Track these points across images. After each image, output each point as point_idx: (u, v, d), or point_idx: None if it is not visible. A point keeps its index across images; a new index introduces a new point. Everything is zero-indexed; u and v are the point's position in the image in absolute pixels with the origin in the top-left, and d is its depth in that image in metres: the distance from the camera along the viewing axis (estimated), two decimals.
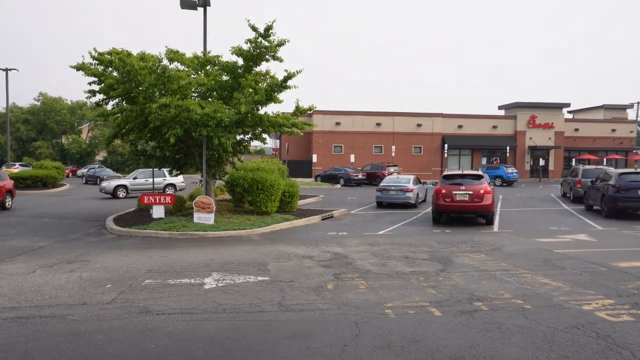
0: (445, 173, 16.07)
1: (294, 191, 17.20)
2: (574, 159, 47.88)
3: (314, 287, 7.11)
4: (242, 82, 13.42)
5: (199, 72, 14.97)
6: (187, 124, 12.84)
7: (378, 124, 45.76)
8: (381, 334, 5.11)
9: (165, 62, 13.98)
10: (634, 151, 51.92)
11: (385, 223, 15.04)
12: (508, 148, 45.77)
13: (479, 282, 7.34)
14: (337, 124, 45.20)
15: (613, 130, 51.14)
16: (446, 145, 44.94)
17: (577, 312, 5.82)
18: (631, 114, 57.00)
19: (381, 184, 20.90)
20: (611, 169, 19.92)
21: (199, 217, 13.58)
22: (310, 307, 6.11)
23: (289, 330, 5.28)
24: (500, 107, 51.50)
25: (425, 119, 46.50)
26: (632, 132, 52.63)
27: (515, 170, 38.47)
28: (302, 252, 10.03)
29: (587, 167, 24.97)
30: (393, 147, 43.89)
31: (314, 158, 42.32)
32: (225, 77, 14.61)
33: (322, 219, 16.08)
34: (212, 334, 5.19)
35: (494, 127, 47.62)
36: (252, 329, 5.35)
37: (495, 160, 46.10)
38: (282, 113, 15.07)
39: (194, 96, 14.84)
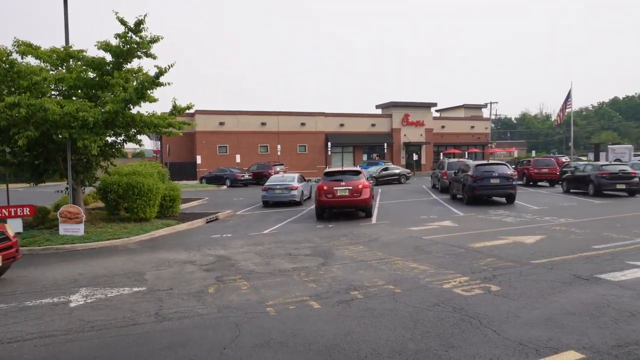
0: (327, 170, 16.69)
1: (175, 195, 16.46)
2: (441, 153, 53.04)
3: (195, 293, 6.90)
4: (109, 80, 12.45)
5: (60, 68, 13.54)
6: (46, 125, 11.54)
7: (263, 124, 45.83)
8: (261, 333, 5.14)
9: (16, 56, 12.37)
10: (489, 145, 59.23)
11: (271, 222, 15.15)
12: (386, 144, 49.11)
13: (356, 272, 7.77)
14: (221, 123, 44.29)
15: (472, 127, 57.72)
16: (329, 143, 46.66)
17: (438, 291, 6.47)
18: (486, 113, 64.89)
19: (266, 183, 20.99)
20: (469, 161, 22.47)
21: (65, 228, 12.30)
22: (189, 314, 5.91)
23: (166, 341, 5.05)
24: (377, 107, 54.99)
25: (309, 118, 47.77)
26: (487, 128, 59.92)
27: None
28: (184, 258, 9.65)
29: (451, 160, 27.84)
30: (279, 146, 44.33)
31: (198, 159, 40.97)
32: (92, 74, 13.43)
33: (207, 222, 15.65)
34: (77, 356, 4.75)
35: (373, 125, 50.68)
36: (125, 344, 5.02)
37: (376, 156, 49.14)
38: (161, 113, 14.33)
39: (54, 94, 13.39)
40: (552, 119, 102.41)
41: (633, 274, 6.96)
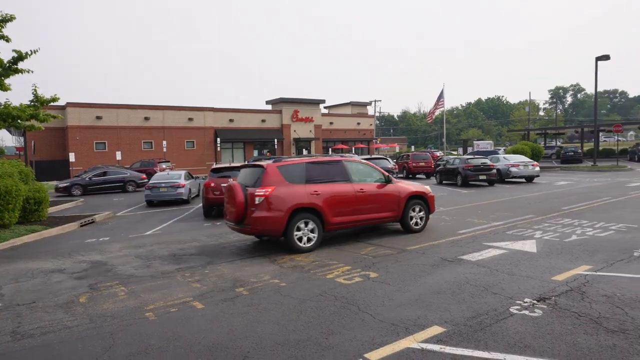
0: (214, 167, 16.28)
1: (41, 197, 14.74)
2: (330, 149, 54.86)
3: (62, 304, 6.27)
4: None
5: None
6: None
7: (147, 118, 43.14)
8: (139, 340, 4.86)
9: None
10: (374, 140, 62.72)
11: (155, 222, 14.36)
12: (276, 140, 49.34)
13: (242, 270, 7.71)
14: (99, 118, 40.73)
15: (358, 124, 60.59)
16: (219, 139, 45.55)
17: (322, 282, 6.71)
18: (371, 110, 68.56)
19: (150, 182, 19.82)
20: (355, 157, 23.59)
21: None
22: (55, 328, 5.36)
23: None
24: (267, 102, 54.99)
25: (197, 113, 46.10)
26: (371, 124, 63.30)
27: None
28: (51, 266, 8.71)
29: (342, 155, 28.92)
30: (164, 142, 42.12)
31: (72, 157, 37.19)
32: None
33: (81, 226, 14.30)
34: None
35: (263, 120, 50.59)
36: None
37: (267, 152, 49.14)
38: (21, 104, 12.70)
39: None
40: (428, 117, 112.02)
41: (488, 254, 7.92)
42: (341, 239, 9.96)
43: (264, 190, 8.55)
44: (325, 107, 63.79)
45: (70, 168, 37.93)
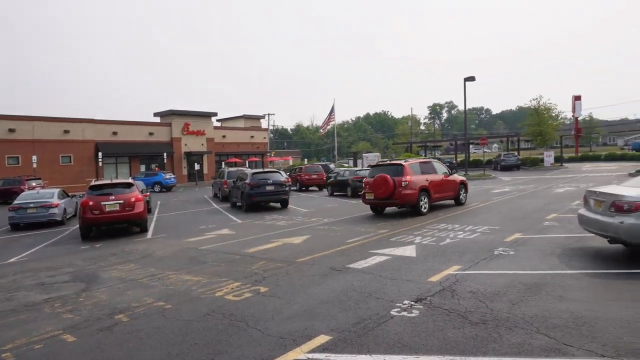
0: (93, 183, 14.99)
1: None
2: (223, 162, 53.74)
3: None
4: None
5: None
6: None
7: (12, 130, 38.33)
8: None
9: None
10: (268, 154, 62.90)
11: (21, 248, 12.75)
12: (165, 154, 47.01)
13: (123, 294, 7.16)
14: None
15: (252, 137, 60.35)
16: (100, 154, 42.08)
17: (210, 300, 6.50)
18: (264, 124, 68.77)
19: (15, 202, 17.59)
20: (247, 170, 23.41)
21: None
22: None
23: None
24: (156, 114, 52.31)
25: (74, 125, 42.18)
26: (265, 138, 63.49)
27: (173, 176, 39.96)
28: None
29: (231, 169, 28.48)
30: (34, 157, 37.70)
31: None
32: None
33: None
34: None
35: (151, 134, 47.95)
36: None
37: (156, 166, 46.58)
38: None
39: None
40: (321, 130, 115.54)
41: (373, 261, 8.35)
42: (232, 256, 9.77)
43: (406, 177, 14.25)
44: (217, 120, 62.54)
45: None
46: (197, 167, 47.56)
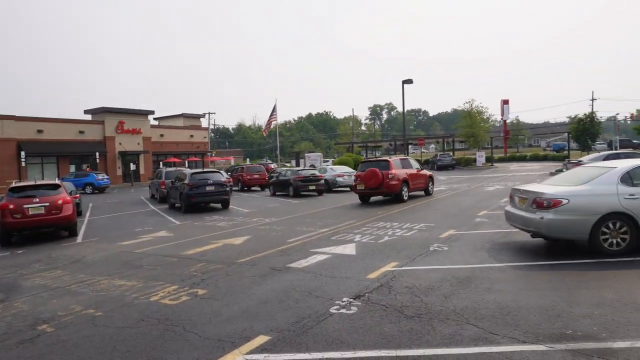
0: (13, 185, 13.89)
1: None
2: (161, 162, 51.82)
3: None
4: None
5: None
6: None
7: None
8: None
9: None
10: (209, 153, 61.50)
11: None
12: (98, 154, 44.57)
13: (48, 303, 6.70)
14: None
15: (191, 136, 58.70)
16: (23, 153, 39.10)
17: (145, 305, 6.24)
18: (204, 123, 67.18)
19: None
20: (186, 170, 22.73)
21: None
22: None
23: None
24: (87, 112, 49.59)
25: None
26: (205, 137, 62.03)
27: (106, 177, 38.06)
28: None
29: (169, 169, 27.55)
30: None
31: None
32: None
33: None
34: None
35: (81, 132, 45.33)
36: None
37: (87, 167, 44.04)
38: None
39: None
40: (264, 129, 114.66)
41: (314, 259, 8.41)
42: (169, 259, 9.45)
43: (393, 171, 17.10)
44: (155, 119, 60.22)
45: None
46: (132, 167, 45.49)
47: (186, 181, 18.55)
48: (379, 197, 18.80)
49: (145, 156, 50.45)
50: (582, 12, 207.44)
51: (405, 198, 17.38)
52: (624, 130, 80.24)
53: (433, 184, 20.21)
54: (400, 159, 18.83)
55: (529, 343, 4.29)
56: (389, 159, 17.99)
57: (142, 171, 49.61)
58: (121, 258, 9.85)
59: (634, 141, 63.74)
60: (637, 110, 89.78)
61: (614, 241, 7.31)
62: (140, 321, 5.60)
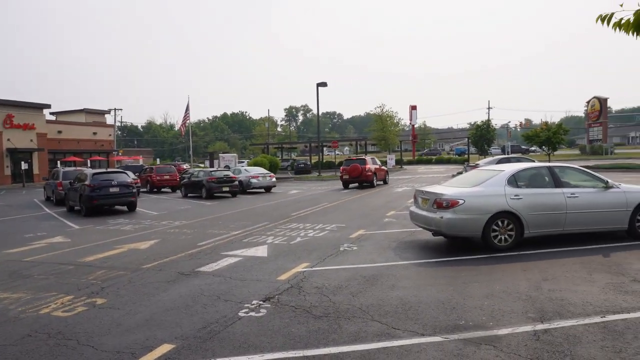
0: None
1: None
2: (59, 161, 47.57)
3: None
4: None
5: None
6: None
7: None
8: None
9: None
10: (114, 152, 57.64)
11: None
12: None
13: None
14: None
15: (95, 134, 54.67)
16: None
17: (33, 319, 5.67)
18: (110, 119, 62.84)
19: None
20: (87, 170, 21.05)
21: None
22: None
23: None
24: None
25: None
26: (111, 135, 58.07)
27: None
28: None
29: (67, 169, 25.38)
30: None
31: None
32: None
33: None
34: None
35: None
36: None
37: None
38: None
39: None
40: (176, 128, 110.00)
41: (224, 263, 8.23)
42: (65, 267, 8.69)
43: (368, 165, 25.11)
44: (52, 114, 55.21)
45: None
46: (24, 166, 41.12)
47: (87, 182, 17.19)
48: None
49: (39, 154, 45.94)
50: (481, 24, 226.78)
51: (375, 185, 25.32)
52: (514, 137, 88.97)
53: (388, 176, 28.46)
54: (371, 158, 27.56)
55: (427, 335, 4.57)
56: (365, 158, 27.04)
57: (35, 171, 45.10)
58: (7, 267, 8.84)
59: (522, 147, 71.01)
60: (526, 119, 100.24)
61: (503, 237, 8.06)
62: (26, 337, 5.08)
